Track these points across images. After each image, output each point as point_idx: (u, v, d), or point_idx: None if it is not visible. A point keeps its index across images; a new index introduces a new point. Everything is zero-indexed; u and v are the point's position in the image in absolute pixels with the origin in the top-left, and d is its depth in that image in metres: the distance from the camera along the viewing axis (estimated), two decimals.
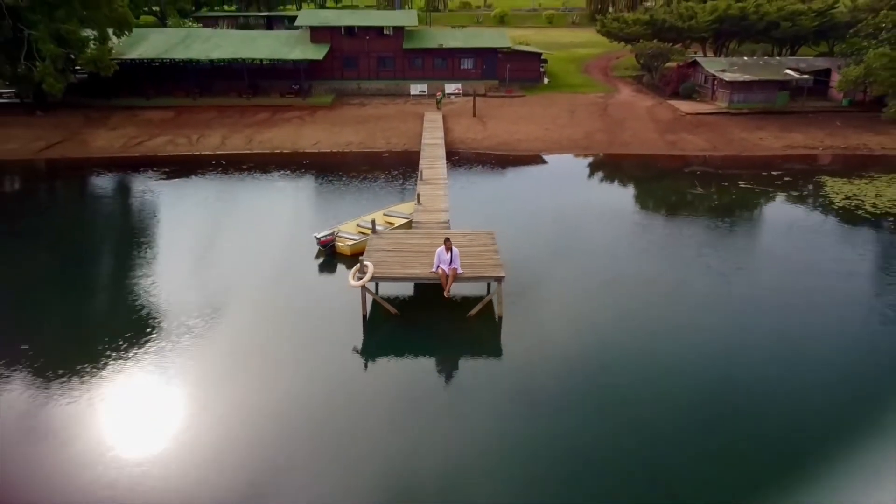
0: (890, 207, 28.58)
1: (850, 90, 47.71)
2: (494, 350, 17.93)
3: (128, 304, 20.27)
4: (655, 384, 15.99)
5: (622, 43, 64.68)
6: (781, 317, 19.29)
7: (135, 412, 15.04)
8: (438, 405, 15.47)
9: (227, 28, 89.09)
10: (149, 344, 17.72)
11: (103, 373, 16.45)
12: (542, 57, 61.25)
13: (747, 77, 49.36)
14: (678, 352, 17.48)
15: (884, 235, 26.27)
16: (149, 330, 18.49)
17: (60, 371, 16.44)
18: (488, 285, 19.53)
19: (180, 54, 52.43)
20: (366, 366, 17.39)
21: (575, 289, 21.28)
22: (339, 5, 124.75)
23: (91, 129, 44.39)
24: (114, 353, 17.24)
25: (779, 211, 30.10)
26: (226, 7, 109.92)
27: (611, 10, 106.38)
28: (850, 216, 28.22)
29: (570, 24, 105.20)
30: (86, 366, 16.70)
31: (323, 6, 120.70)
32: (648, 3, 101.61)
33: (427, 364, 17.44)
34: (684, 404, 15.29)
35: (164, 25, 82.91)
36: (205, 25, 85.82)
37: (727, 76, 49.31)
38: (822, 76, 52.58)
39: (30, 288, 21.78)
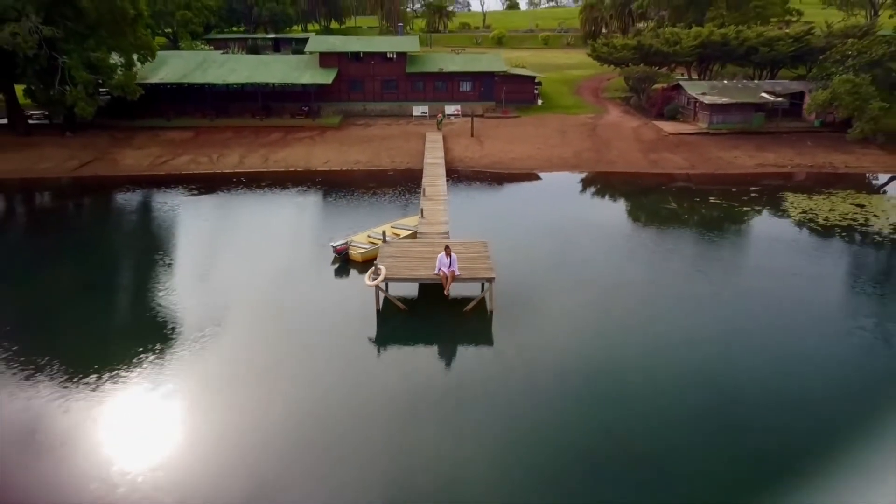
0: (839, 221, 32.19)
1: (822, 112, 51.52)
2: (486, 339, 21.42)
3: (167, 305, 23.62)
4: (617, 364, 19.43)
5: (612, 66, 68.65)
6: (734, 311, 22.78)
7: (166, 405, 17.72)
8: (439, 384, 18.81)
9: (238, 49, 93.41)
10: (190, 334, 21.13)
11: (140, 373, 19.07)
12: (536, 80, 65.16)
13: (726, 100, 53.15)
14: (643, 339, 20.89)
15: (829, 244, 30.04)
16: (190, 322, 21.91)
17: (91, 373, 18.76)
18: (482, 285, 22.99)
19: (199, 78, 56.29)
20: (378, 352, 20.83)
21: (556, 288, 24.77)
22: (342, 26, 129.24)
23: (118, 148, 48.07)
24: (151, 353, 20.36)
25: (739, 223, 33.60)
26: (234, 29, 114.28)
27: (604, 30, 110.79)
28: (802, 228, 31.89)
29: (565, 45, 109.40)
30: (127, 367, 19.14)
31: (327, 28, 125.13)
32: (640, 25, 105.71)
33: (430, 351, 20.91)
34: (653, 386, 18.66)
35: (177, 47, 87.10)
36: (216, 47, 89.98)
37: (707, 99, 53.10)
38: (797, 98, 56.38)
39: (72, 293, 25.44)
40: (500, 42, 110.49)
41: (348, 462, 15.30)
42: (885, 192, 39.54)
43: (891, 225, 31.42)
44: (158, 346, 20.36)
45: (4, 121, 53.23)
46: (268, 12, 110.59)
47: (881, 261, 28.57)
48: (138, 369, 19.10)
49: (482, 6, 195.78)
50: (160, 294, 24.59)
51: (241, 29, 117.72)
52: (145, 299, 24.68)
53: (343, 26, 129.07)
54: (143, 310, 23.86)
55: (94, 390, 18.15)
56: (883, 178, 42.44)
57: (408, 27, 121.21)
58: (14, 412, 17.22)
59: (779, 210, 34.74)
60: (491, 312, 22.41)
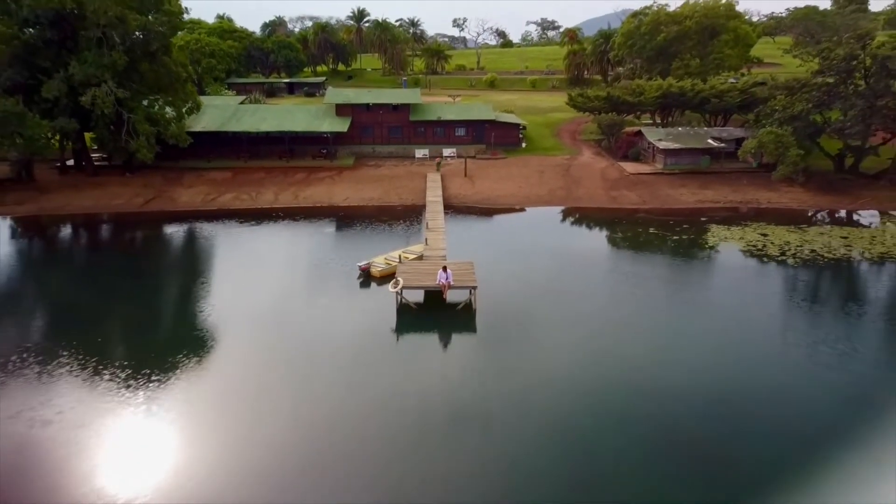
0: (744, 247, 42.22)
1: (759, 154, 61.82)
2: (471, 327, 31.10)
3: (225, 308, 33.24)
4: (563, 335, 29.11)
5: (586, 113, 79.32)
6: (644, 303, 32.61)
7: (209, 397, 27.66)
8: (440, 356, 28.56)
9: (257, 92, 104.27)
10: (253, 325, 30.89)
11: (194, 367, 29.21)
12: (521, 125, 75.74)
13: (678, 145, 63.57)
14: (583, 321, 30.63)
15: (729, 261, 40.30)
16: (251, 318, 31.65)
17: (156, 373, 26.20)
18: (469, 291, 32.78)
19: (235, 127, 66.56)
20: (397, 338, 30.48)
21: (523, 293, 34.57)
22: (349, 68, 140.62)
23: (171, 187, 58.05)
24: (222, 343, 30.29)
25: (665, 247, 42.96)
26: (252, 73, 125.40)
27: (586, 74, 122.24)
28: (713, 251, 42.07)
29: (551, 87, 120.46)
30: (192, 367, 28.55)
31: (335, 70, 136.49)
32: (620, 69, 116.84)
33: (434, 336, 30.54)
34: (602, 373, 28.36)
35: (203, 92, 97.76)
36: (237, 91, 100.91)
37: (662, 144, 63.50)
38: (740, 143, 66.61)
39: (149, 300, 35.59)
40: (492, 85, 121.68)
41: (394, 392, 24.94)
42: (812, 221, 49.58)
43: (779, 250, 41.36)
44: (225, 335, 29.99)
45: (70, 162, 63.50)
46: (282, 58, 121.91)
47: (766, 274, 38.45)
48: (207, 365, 28.55)
49: (476, 42, 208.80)
50: (229, 300, 34.36)
51: (256, 71, 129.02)
52: (221, 302, 34.26)
53: (349, 68, 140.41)
54: (219, 309, 33.40)
55: (158, 387, 24.73)
56: (794, 212, 52.46)
57: (408, 69, 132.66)
58: (77, 405, 23.76)
59: (700, 238, 44.80)
60: (475, 310, 32.15)
